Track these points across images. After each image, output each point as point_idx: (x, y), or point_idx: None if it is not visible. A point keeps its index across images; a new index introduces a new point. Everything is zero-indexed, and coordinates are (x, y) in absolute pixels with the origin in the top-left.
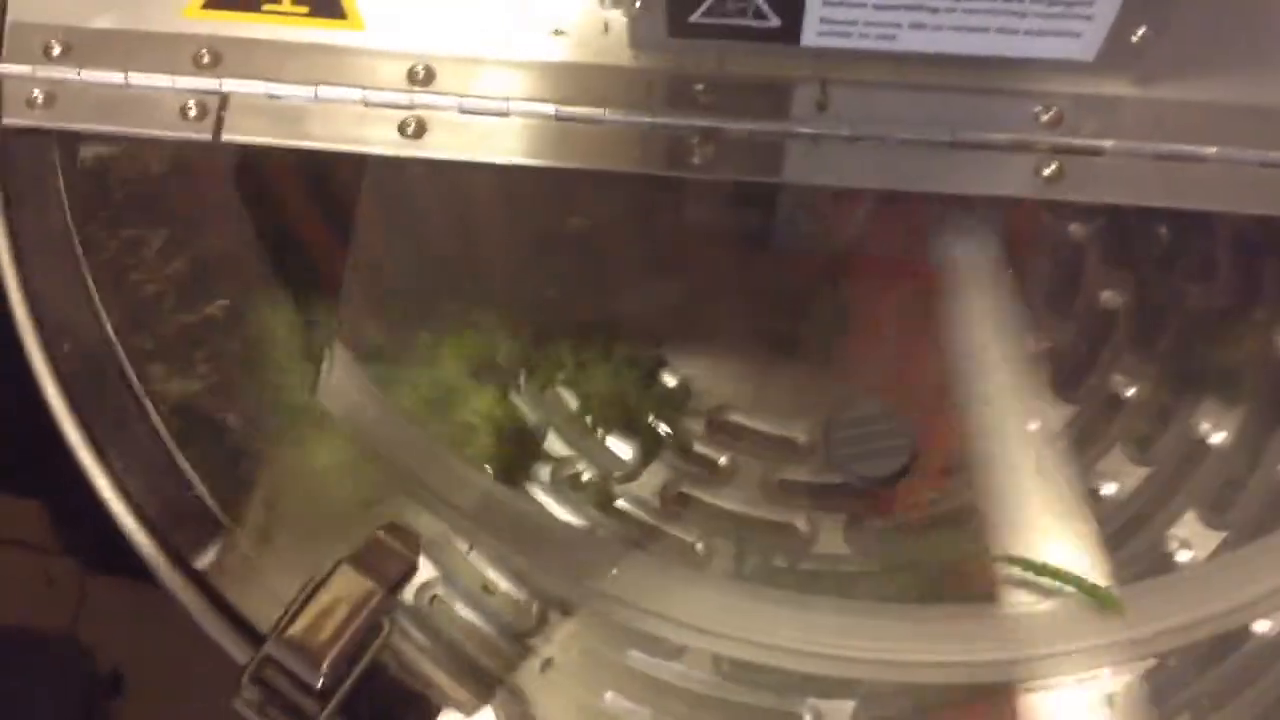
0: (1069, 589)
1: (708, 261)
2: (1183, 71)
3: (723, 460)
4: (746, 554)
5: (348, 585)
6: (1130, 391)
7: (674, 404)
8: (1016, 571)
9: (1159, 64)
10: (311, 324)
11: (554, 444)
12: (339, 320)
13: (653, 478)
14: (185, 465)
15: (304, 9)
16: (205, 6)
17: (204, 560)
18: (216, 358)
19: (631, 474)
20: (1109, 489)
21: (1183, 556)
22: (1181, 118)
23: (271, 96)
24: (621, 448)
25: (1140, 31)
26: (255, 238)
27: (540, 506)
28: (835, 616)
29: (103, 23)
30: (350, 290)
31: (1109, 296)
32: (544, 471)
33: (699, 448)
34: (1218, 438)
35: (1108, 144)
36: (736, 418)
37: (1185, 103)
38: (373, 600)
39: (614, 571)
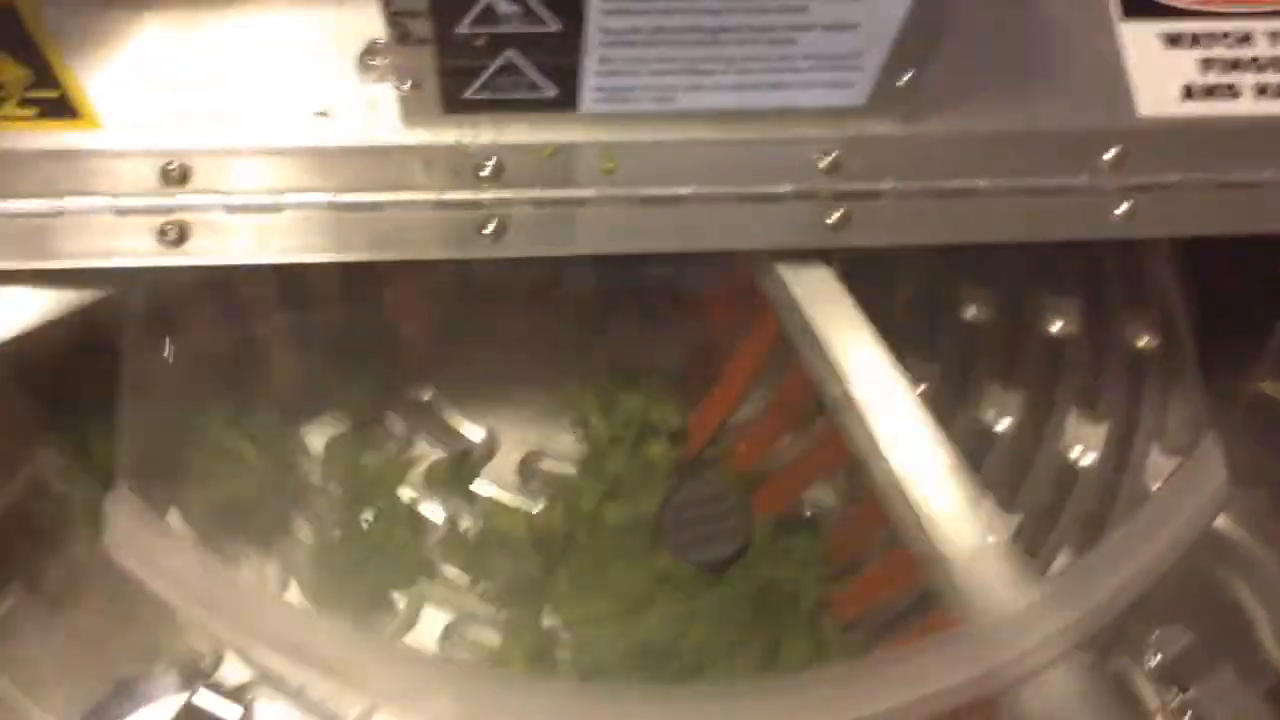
0: None
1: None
2: (950, 107)
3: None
4: None
5: None
6: None
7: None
8: None
9: (926, 102)
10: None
11: None
12: (119, 455)
13: None
14: None
15: (31, 111)
16: None
17: None
18: None
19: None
20: None
21: None
22: (952, 152)
23: (7, 215)
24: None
25: (907, 75)
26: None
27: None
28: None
29: None
30: (127, 418)
31: None
32: None
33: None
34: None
35: (886, 186)
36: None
37: (954, 137)
38: None
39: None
